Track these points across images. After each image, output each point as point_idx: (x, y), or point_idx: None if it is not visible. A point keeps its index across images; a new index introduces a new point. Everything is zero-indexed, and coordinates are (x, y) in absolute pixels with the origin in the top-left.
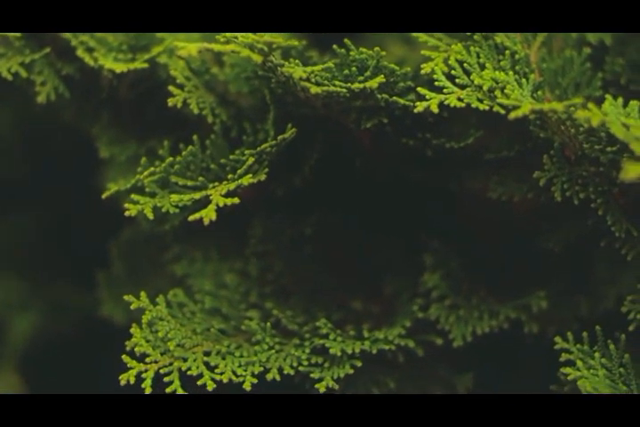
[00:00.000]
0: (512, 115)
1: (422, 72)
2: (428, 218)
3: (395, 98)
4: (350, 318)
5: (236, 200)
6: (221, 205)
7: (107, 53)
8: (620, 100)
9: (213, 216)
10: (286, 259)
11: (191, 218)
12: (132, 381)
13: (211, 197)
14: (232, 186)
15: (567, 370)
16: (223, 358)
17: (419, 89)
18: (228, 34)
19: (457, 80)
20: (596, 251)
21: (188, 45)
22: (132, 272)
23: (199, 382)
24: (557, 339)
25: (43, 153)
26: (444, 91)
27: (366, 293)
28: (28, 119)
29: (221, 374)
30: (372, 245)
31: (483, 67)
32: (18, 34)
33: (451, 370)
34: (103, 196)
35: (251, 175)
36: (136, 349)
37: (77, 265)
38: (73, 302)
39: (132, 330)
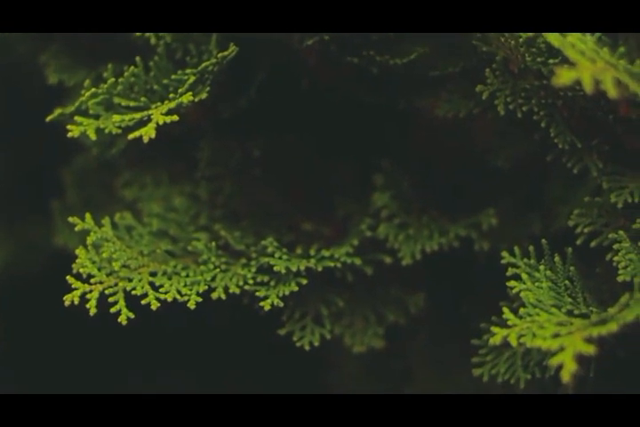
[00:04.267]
0: None
1: None
2: (379, 139)
3: None
4: (301, 239)
5: (175, 118)
6: (161, 122)
7: None
8: None
9: (152, 134)
10: (236, 182)
11: (131, 136)
12: (77, 301)
13: (152, 116)
14: (173, 104)
15: (512, 283)
16: (169, 279)
17: None
18: None
19: None
20: (549, 169)
21: None
22: (85, 200)
23: (143, 302)
24: (504, 253)
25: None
26: None
27: (318, 215)
28: None
29: (166, 293)
30: (323, 167)
31: None
32: None
33: (403, 290)
34: (47, 119)
35: (191, 93)
36: (81, 269)
37: (42, 200)
38: (40, 238)
39: (77, 251)
